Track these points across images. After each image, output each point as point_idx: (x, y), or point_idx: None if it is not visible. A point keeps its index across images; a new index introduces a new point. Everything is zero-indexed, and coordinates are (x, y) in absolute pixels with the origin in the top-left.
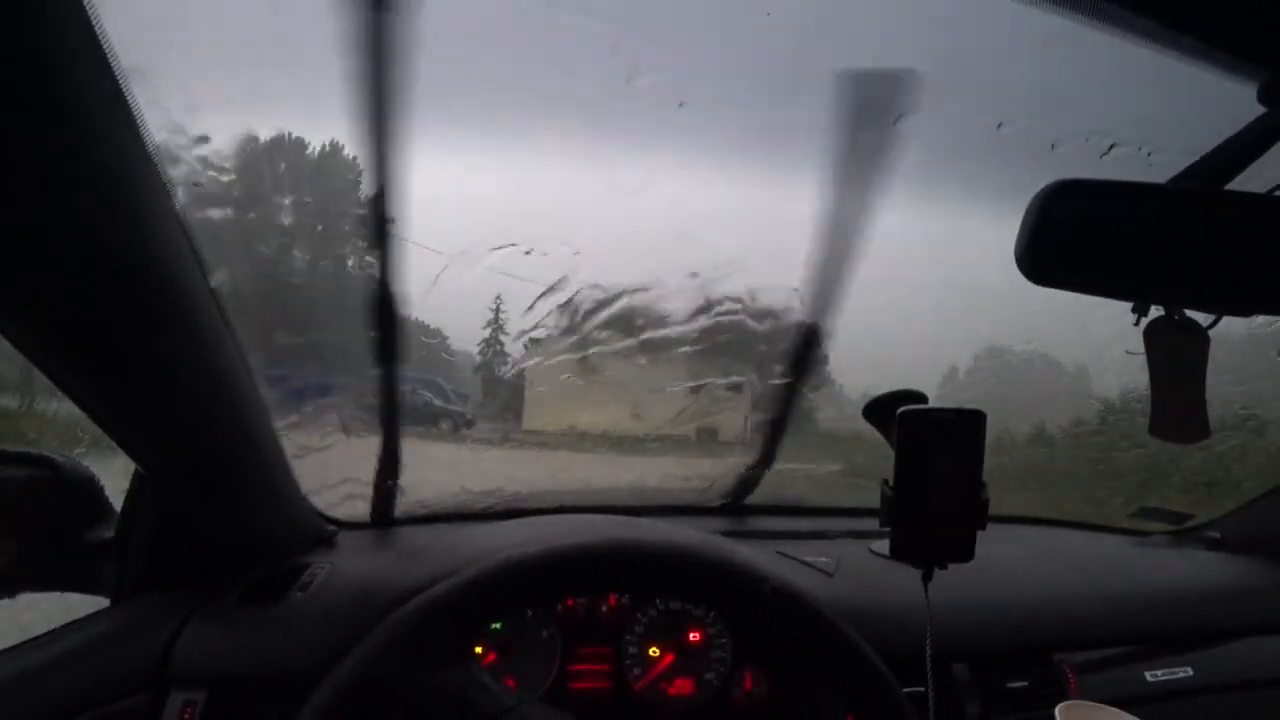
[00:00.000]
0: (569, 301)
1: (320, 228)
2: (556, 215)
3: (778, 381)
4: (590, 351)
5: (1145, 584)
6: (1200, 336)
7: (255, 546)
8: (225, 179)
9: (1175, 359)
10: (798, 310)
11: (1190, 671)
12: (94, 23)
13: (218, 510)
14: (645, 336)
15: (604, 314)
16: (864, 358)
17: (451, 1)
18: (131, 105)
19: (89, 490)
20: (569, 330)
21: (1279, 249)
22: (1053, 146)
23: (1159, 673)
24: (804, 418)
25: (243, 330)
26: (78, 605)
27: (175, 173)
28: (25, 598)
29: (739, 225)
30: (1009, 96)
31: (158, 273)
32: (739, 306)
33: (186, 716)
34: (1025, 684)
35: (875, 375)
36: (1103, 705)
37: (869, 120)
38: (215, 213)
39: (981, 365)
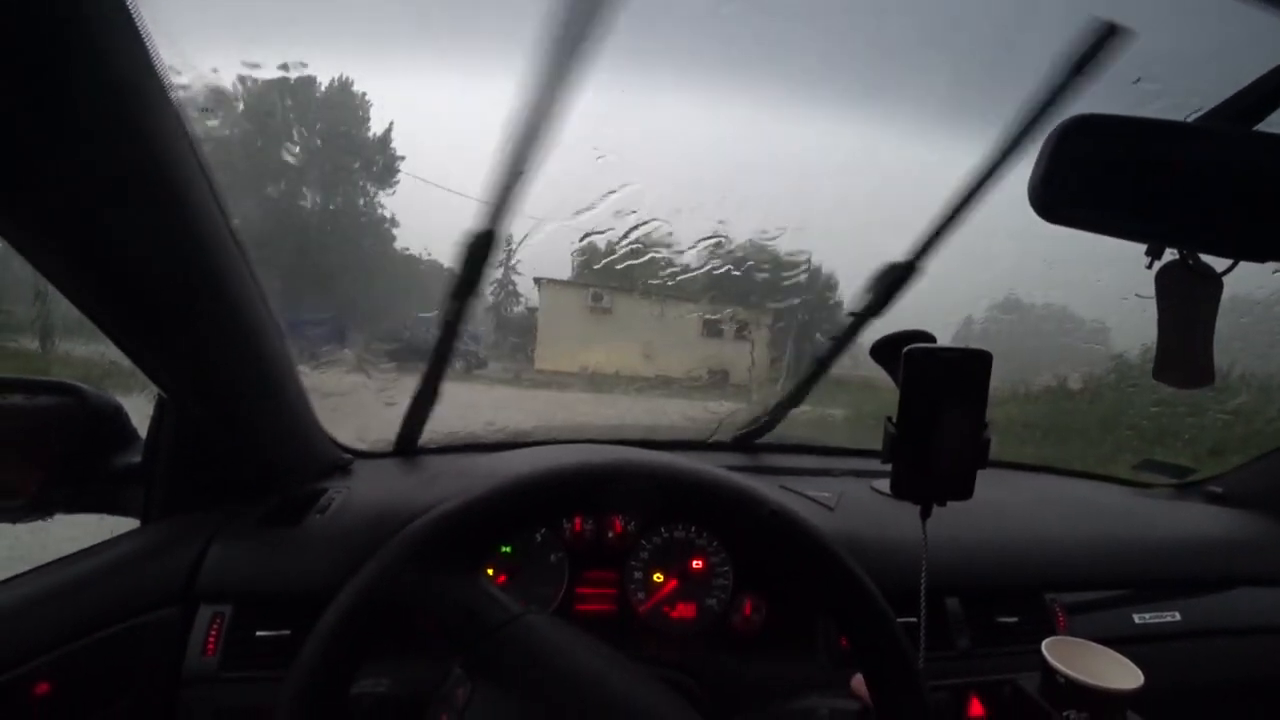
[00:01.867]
0: (583, 240)
1: (328, 167)
2: (575, 150)
3: (793, 328)
4: (604, 293)
5: (1141, 532)
6: (1214, 282)
7: (274, 472)
8: (235, 112)
9: (1187, 304)
10: (813, 258)
11: (1178, 616)
12: None
13: (238, 436)
14: (659, 277)
15: (619, 255)
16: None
17: None
18: (156, 61)
19: (115, 418)
20: (583, 270)
21: None
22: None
23: (1146, 615)
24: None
25: (262, 265)
26: (110, 525)
27: (189, 101)
28: (60, 518)
29: (756, 169)
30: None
31: (181, 215)
32: (753, 252)
33: (215, 627)
34: (1015, 619)
35: (888, 323)
36: (1088, 642)
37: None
38: (230, 144)
39: (997, 317)
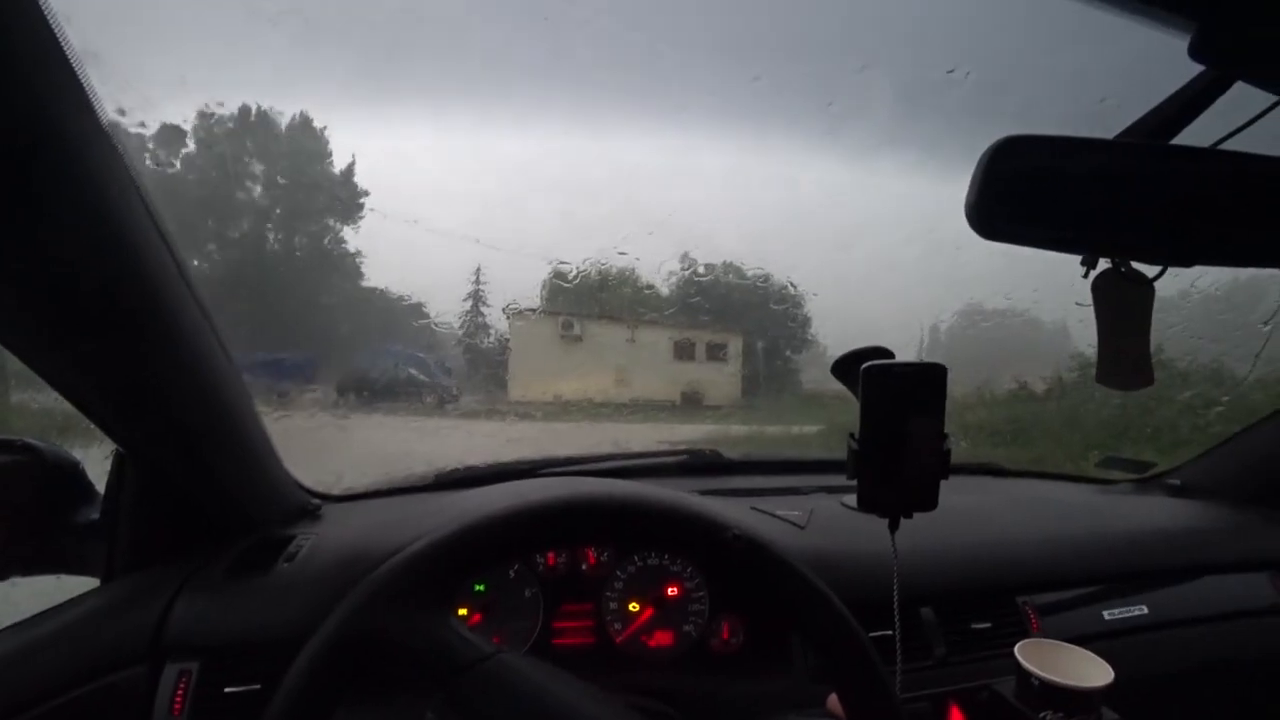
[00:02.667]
0: (553, 269)
1: (291, 205)
2: (537, 186)
3: (762, 346)
4: (573, 320)
5: (1106, 529)
6: (1146, 288)
7: (240, 521)
8: (188, 158)
9: (1122, 310)
10: (780, 278)
11: (1145, 610)
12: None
13: (200, 487)
14: (629, 303)
15: (585, 283)
16: (847, 319)
17: None
18: (85, 86)
19: (72, 474)
20: (553, 298)
21: (1221, 201)
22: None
23: (1116, 611)
24: (788, 379)
25: (220, 310)
26: (70, 586)
27: (135, 151)
28: (17, 581)
29: (716, 193)
30: (963, 57)
31: (125, 257)
32: (722, 273)
33: (182, 685)
34: (989, 625)
35: (859, 336)
36: (1061, 642)
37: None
38: (180, 190)
39: (962, 323)
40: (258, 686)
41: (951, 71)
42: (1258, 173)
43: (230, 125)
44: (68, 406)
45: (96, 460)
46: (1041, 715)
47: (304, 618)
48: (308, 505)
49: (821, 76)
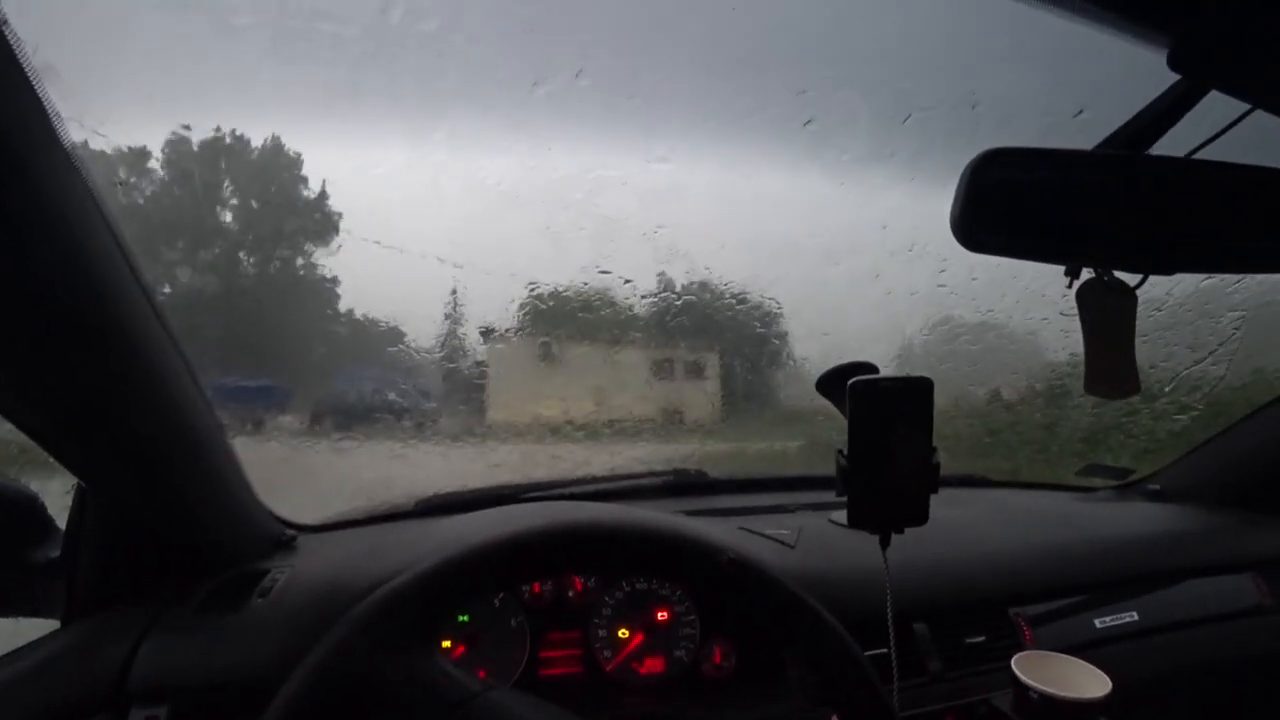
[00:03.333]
0: (528, 291)
1: (265, 228)
2: (514, 205)
3: (741, 363)
4: (550, 340)
5: (1091, 536)
6: (1129, 296)
7: (211, 554)
8: (157, 181)
9: (1106, 319)
10: (758, 293)
11: (1135, 616)
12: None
13: (168, 519)
14: (606, 324)
15: (561, 302)
16: (825, 334)
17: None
18: (46, 106)
19: (30, 510)
20: (529, 320)
21: (1198, 209)
22: (973, 106)
23: (1107, 619)
24: (768, 395)
25: (187, 335)
26: (27, 629)
27: (101, 173)
28: None
29: (694, 210)
30: (945, 73)
31: (86, 280)
32: (700, 291)
33: None
34: (983, 638)
35: (837, 350)
36: (1055, 653)
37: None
38: (149, 214)
39: (940, 336)
40: None
41: (933, 90)
42: (1232, 180)
43: (200, 148)
44: (22, 437)
45: (56, 494)
46: None
47: (280, 656)
48: (282, 536)
49: (801, 94)
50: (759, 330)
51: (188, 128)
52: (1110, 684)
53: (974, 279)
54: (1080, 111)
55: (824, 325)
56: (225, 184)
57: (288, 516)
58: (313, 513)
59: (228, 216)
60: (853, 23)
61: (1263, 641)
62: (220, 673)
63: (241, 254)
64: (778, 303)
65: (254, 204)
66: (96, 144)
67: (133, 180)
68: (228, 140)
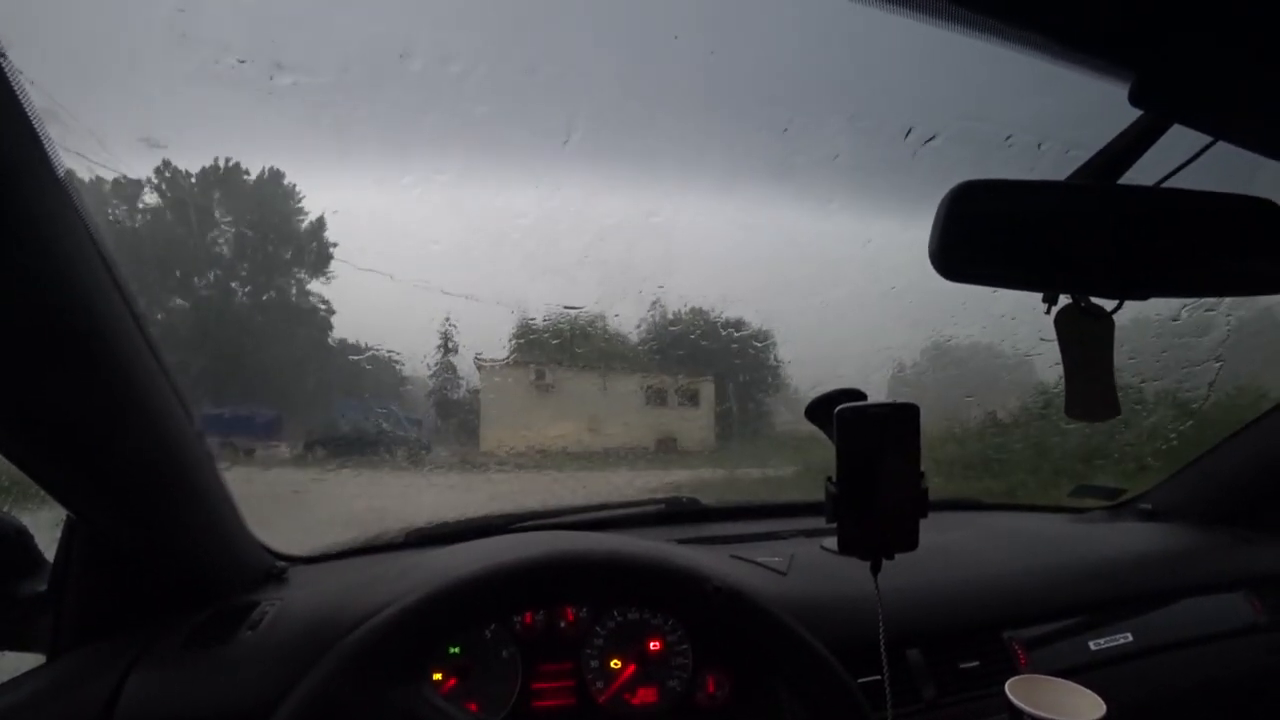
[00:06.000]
0: (518, 320)
1: (259, 258)
2: (506, 236)
3: (735, 390)
4: (544, 370)
5: (1084, 558)
6: (1106, 321)
7: (200, 587)
8: (152, 209)
9: (1084, 344)
10: (752, 322)
11: (1130, 637)
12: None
13: (157, 552)
14: (599, 353)
15: (554, 332)
16: (818, 361)
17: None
18: (40, 133)
19: (18, 542)
20: (523, 350)
21: (1168, 236)
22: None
23: (1101, 641)
24: (762, 421)
25: (179, 364)
26: (13, 664)
27: (94, 206)
28: None
29: (686, 240)
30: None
31: (77, 307)
32: (694, 319)
33: None
34: (977, 663)
35: (831, 377)
36: (1050, 677)
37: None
38: (142, 243)
39: (930, 360)
40: None
41: (909, 131)
42: (1199, 207)
43: (195, 178)
44: (11, 468)
45: (45, 527)
46: None
47: (268, 691)
48: (273, 568)
49: (784, 132)
50: (753, 358)
51: (184, 157)
52: (1105, 707)
53: (965, 304)
54: (1040, 144)
55: (817, 353)
56: (220, 213)
57: (279, 547)
58: (304, 543)
59: (222, 247)
60: (831, 63)
61: (1259, 659)
62: (207, 708)
63: (235, 284)
64: (771, 330)
65: (249, 233)
66: (91, 171)
67: (126, 208)
68: (223, 170)
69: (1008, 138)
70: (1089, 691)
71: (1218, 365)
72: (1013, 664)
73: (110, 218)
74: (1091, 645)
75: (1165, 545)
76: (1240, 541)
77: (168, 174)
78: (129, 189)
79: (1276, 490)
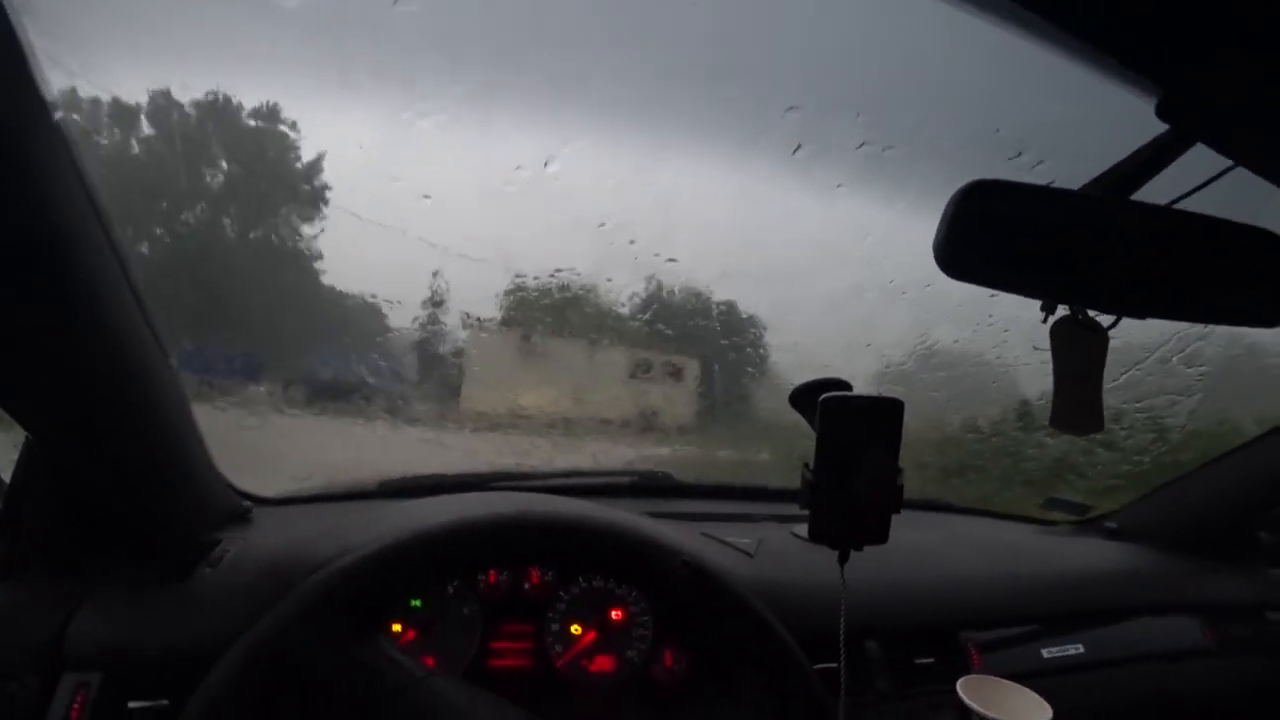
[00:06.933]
0: (510, 279)
1: (248, 196)
2: (505, 194)
3: (722, 371)
4: (532, 332)
5: (1046, 569)
6: (1101, 336)
7: (161, 522)
8: (137, 134)
9: (1077, 356)
10: (746, 305)
11: (1082, 648)
12: None
13: (119, 482)
14: (588, 321)
15: (546, 295)
16: (808, 351)
17: None
18: (21, 40)
19: None
20: (512, 311)
21: (1174, 258)
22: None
23: (1054, 649)
24: (745, 405)
25: (159, 297)
26: None
27: (75, 129)
28: None
29: (688, 213)
30: (939, 103)
31: (49, 220)
32: (687, 296)
33: (79, 700)
34: (932, 660)
35: (818, 369)
36: (1000, 679)
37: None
38: (126, 169)
39: (921, 362)
40: (165, 702)
41: (922, 124)
42: (1208, 233)
43: (190, 108)
44: None
45: (4, 448)
46: None
47: (223, 629)
48: (239, 508)
49: (790, 111)
50: (743, 341)
51: (180, 85)
52: (1050, 712)
53: (959, 306)
54: (1056, 151)
55: (806, 341)
56: (213, 146)
57: (247, 488)
58: (274, 486)
59: (212, 180)
60: (846, 50)
61: (1205, 683)
62: (160, 642)
63: (225, 220)
64: (763, 316)
65: (240, 169)
66: (70, 80)
67: (114, 131)
68: (219, 102)
69: (1020, 152)
70: (1036, 695)
71: (1199, 395)
72: (966, 664)
73: (100, 141)
74: (1044, 653)
75: (1126, 564)
76: (1200, 569)
77: (158, 98)
78: (116, 109)
79: (1239, 522)
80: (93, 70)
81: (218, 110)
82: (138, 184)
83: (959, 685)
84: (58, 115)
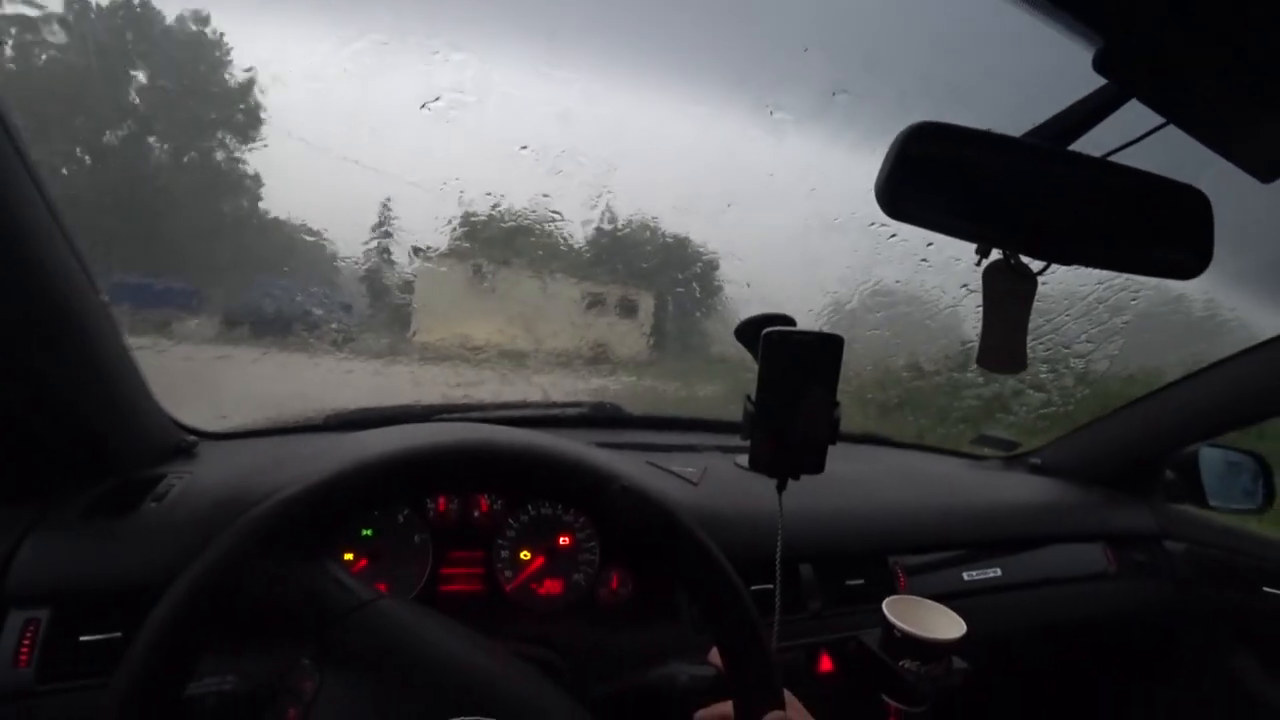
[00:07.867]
0: (461, 209)
1: (178, 113)
2: (456, 119)
3: (674, 306)
4: (483, 263)
5: (973, 500)
6: (1030, 281)
7: (102, 458)
8: (51, 43)
9: (1006, 300)
10: (697, 238)
11: (999, 572)
12: None
13: (57, 417)
14: (538, 252)
15: (498, 225)
16: (759, 286)
17: None
18: None
19: None
20: (461, 240)
21: (1106, 209)
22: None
23: (974, 573)
24: (695, 339)
25: (84, 225)
26: None
27: None
28: None
29: (641, 151)
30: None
31: None
32: (640, 230)
33: (29, 634)
34: (862, 581)
35: (769, 305)
36: (922, 599)
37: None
38: (38, 82)
39: (868, 302)
40: (118, 634)
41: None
42: (1139, 186)
43: (107, 14)
44: None
45: None
46: (902, 663)
47: (171, 561)
48: (182, 443)
49: (752, 54)
50: (694, 275)
51: None
52: (965, 628)
53: (902, 243)
54: (999, 97)
55: (759, 279)
56: (135, 57)
57: (191, 423)
58: (218, 421)
59: (135, 97)
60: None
61: (1105, 604)
62: (109, 576)
63: (152, 140)
64: (715, 249)
65: (167, 85)
66: None
67: (22, 35)
68: (138, 7)
69: (970, 85)
70: (953, 614)
71: (1122, 341)
72: (893, 585)
73: (3, 47)
74: (965, 576)
75: (1044, 497)
76: (1107, 501)
77: (75, 6)
78: (23, 18)
79: (1146, 460)
80: None
81: (136, 15)
82: (47, 97)
83: (884, 604)
84: None
